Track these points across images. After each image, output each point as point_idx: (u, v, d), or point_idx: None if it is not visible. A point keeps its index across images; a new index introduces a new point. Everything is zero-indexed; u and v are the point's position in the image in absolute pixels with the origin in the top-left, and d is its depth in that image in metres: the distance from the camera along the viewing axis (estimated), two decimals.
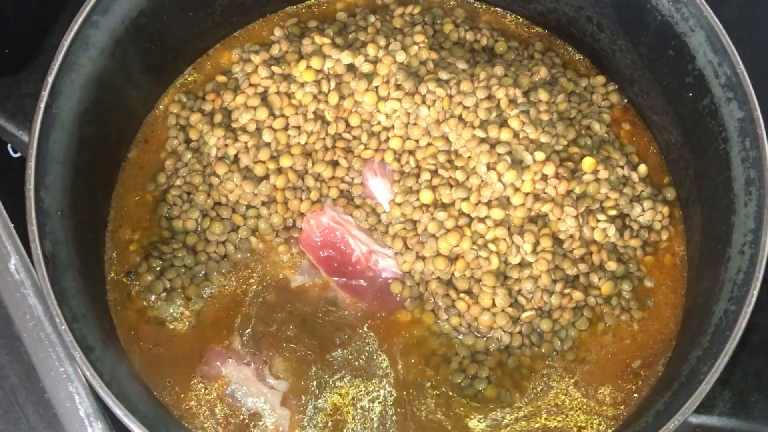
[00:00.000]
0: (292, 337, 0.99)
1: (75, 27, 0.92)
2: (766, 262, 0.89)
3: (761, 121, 0.92)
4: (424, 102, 1.01)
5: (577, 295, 0.99)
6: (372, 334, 1.00)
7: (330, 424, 0.96)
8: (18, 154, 1.13)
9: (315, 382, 0.97)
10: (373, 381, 0.98)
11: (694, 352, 0.91)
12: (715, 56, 0.96)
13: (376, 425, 0.96)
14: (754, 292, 0.88)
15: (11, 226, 0.95)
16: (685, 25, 0.98)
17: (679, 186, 1.07)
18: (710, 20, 0.95)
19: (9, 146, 1.14)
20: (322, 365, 0.98)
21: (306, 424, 0.96)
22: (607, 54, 1.11)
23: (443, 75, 1.03)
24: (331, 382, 0.98)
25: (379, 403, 0.97)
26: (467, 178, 1.00)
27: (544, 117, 1.03)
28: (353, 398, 0.97)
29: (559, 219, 1.00)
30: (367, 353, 0.99)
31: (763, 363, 0.95)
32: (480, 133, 0.99)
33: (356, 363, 0.98)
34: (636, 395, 0.98)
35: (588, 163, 1.01)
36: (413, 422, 0.96)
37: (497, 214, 0.99)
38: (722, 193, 0.96)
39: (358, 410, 0.96)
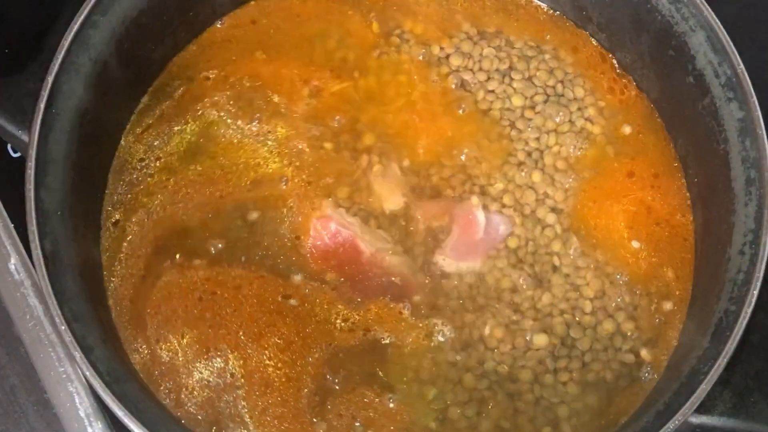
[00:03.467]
0: (293, 341, 0.99)
1: (75, 27, 0.92)
2: (766, 262, 0.89)
3: (761, 121, 0.92)
4: None
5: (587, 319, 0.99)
6: (376, 334, 0.99)
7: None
8: (18, 154, 1.13)
9: (317, 386, 0.97)
10: (381, 383, 0.97)
11: (694, 352, 0.91)
12: (715, 56, 0.96)
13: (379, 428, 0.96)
14: (754, 292, 0.88)
15: (11, 226, 0.95)
16: (685, 25, 0.98)
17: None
18: (710, 20, 0.95)
19: (9, 146, 1.14)
20: (327, 369, 0.98)
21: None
22: (607, 54, 1.11)
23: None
24: (338, 388, 0.97)
25: (383, 400, 0.97)
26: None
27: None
28: (363, 405, 0.96)
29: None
30: (374, 355, 0.98)
31: (763, 363, 0.95)
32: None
33: (362, 363, 0.98)
34: (636, 396, 0.98)
35: None
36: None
37: None
38: (722, 193, 0.96)
39: (370, 418, 0.96)
